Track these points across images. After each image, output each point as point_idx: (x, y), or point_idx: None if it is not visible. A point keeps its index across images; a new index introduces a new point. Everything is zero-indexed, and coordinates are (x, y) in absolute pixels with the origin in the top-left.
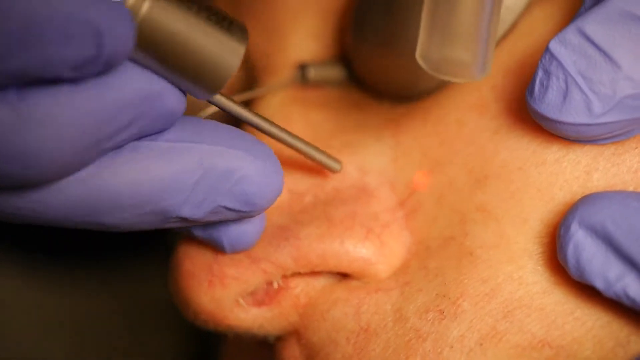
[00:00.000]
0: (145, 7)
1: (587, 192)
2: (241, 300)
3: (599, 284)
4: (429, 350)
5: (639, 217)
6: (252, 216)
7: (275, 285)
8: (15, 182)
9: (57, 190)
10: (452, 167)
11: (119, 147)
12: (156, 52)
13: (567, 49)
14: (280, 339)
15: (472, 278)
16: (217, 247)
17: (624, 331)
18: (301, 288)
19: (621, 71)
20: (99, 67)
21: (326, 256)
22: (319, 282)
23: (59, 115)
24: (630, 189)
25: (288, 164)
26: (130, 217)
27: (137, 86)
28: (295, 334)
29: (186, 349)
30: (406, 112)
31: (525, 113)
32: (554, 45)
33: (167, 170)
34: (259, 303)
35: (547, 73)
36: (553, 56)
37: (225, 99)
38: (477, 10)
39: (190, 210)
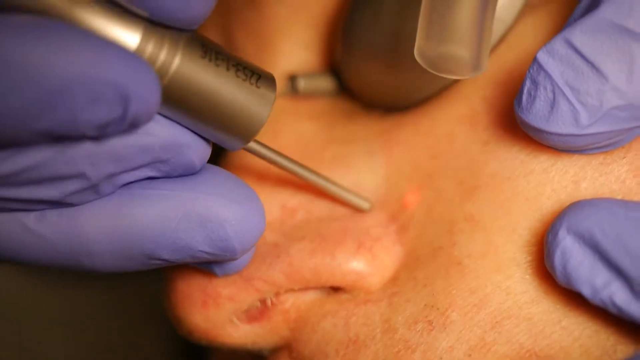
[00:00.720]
0: (174, 65)
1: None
2: (234, 319)
3: (585, 291)
4: None
5: (626, 225)
6: (233, 259)
7: (269, 302)
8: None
9: (39, 235)
10: (442, 180)
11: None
12: (186, 107)
13: (554, 60)
14: (272, 352)
15: (460, 288)
16: (208, 272)
17: (610, 340)
18: (291, 302)
19: (608, 82)
20: (122, 128)
21: (318, 271)
22: (309, 296)
23: (79, 165)
24: (618, 198)
25: (281, 179)
26: (110, 262)
27: (157, 136)
28: (287, 347)
29: (181, 347)
30: (397, 123)
31: (516, 123)
32: (542, 56)
33: (144, 217)
34: (251, 320)
35: (535, 83)
36: (541, 66)
37: (257, 145)
38: (474, 8)
39: (169, 255)
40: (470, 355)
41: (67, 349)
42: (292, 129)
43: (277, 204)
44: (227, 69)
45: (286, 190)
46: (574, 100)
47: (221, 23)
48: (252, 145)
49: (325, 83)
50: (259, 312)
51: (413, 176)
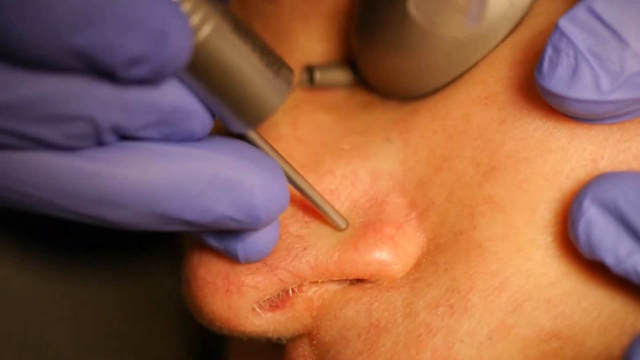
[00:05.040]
0: (205, 32)
1: None
2: (257, 308)
3: (609, 260)
4: (440, 345)
5: None
6: (255, 229)
7: (291, 292)
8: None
9: (62, 177)
10: (459, 162)
11: (132, 139)
12: (204, 76)
13: (576, 27)
14: (291, 339)
15: (481, 272)
16: (230, 257)
17: (629, 319)
18: (314, 291)
19: (629, 48)
20: (150, 70)
21: (342, 264)
22: (332, 286)
23: (90, 106)
24: None
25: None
26: (131, 215)
27: (173, 99)
28: (306, 335)
29: (193, 346)
30: (413, 110)
31: (532, 102)
32: (564, 23)
33: (173, 173)
34: (273, 308)
35: (557, 50)
36: (563, 33)
37: (256, 135)
38: None
39: (193, 217)
40: (491, 338)
41: (78, 344)
42: (309, 119)
43: (299, 196)
44: (253, 50)
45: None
46: (595, 66)
47: (239, 15)
48: (252, 134)
49: (341, 74)
50: (280, 301)
51: (430, 160)
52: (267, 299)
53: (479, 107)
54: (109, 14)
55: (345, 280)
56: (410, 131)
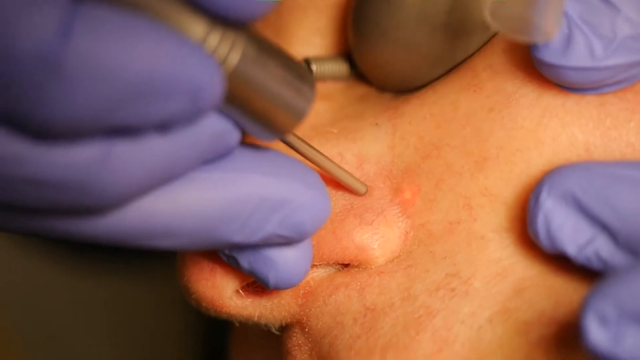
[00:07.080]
0: (234, 60)
1: None
2: (240, 291)
3: (570, 249)
4: (440, 326)
5: (606, 181)
6: (300, 241)
7: None
8: (83, 210)
9: (117, 219)
10: (449, 150)
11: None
12: (235, 100)
13: None
14: (285, 329)
15: (483, 259)
16: (260, 281)
17: None
18: None
19: (620, 13)
20: (190, 119)
21: (320, 247)
22: (318, 273)
23: (140, 163)
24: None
25: None
26: (184, 243)
27: (211, 128)
28: (297, 323)
29: (199, 341)
30: (405, 99)
31: (520, 90)
32: None
33: (223, 200)
34: (259, 293)
35: None
36: None
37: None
38: None
39: (243, 238)
40: (492, 321)
41: (87, 337)
42: None
43: None
44: (279, 67)
45: None
46: (588, 33)
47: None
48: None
49: (338, 67)
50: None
51: (418, 146)
52: (252, 282)
53: (467, 94)
54: (144, 89)
55: (331, 265)
56: (399, 117)
